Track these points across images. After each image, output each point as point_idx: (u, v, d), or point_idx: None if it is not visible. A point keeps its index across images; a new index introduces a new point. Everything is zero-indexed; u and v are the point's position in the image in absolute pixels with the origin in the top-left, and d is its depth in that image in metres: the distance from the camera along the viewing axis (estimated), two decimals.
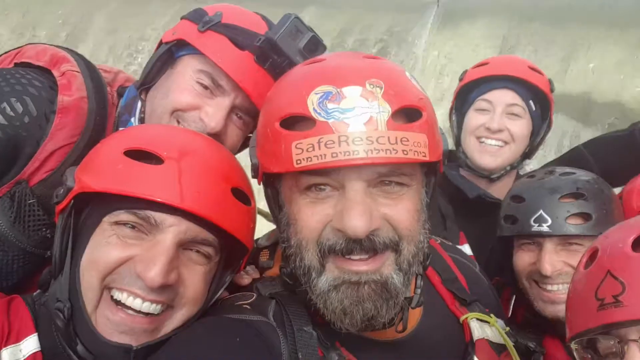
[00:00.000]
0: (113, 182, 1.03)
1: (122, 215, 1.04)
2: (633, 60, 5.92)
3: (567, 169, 1.66)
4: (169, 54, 1.46)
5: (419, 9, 6.31)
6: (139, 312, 1.03)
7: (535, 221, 1.53)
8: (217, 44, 1.38)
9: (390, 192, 0.96)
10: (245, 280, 1.20)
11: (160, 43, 1.49)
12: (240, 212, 1.09)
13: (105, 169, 1.06)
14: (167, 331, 1.07)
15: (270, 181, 1.06)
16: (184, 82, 1.41)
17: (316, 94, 0.94)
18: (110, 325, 1.03)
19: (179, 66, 1.44)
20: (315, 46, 1.37)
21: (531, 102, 1.94)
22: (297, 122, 0.96)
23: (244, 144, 1.53)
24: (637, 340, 0.80)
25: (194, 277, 1.07)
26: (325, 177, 0.95)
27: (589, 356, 0.88)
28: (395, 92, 0.95)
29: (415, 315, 1.11)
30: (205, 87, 1.40)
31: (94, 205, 1.07)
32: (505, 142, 1.93)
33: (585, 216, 1.51)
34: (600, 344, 0.86)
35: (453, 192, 1.96)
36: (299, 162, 0.92)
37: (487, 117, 1.92)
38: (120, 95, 1.54)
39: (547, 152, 3.89)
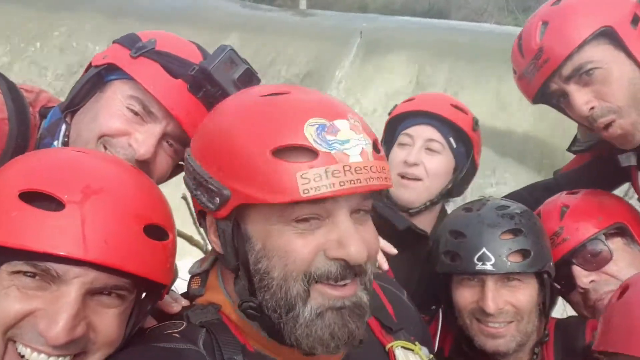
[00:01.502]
0: (8, 234, 0.93)
1: (21, 266, 0.95)
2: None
3: (502, 202, 1.70)
4: (98, 77, 1.43)
5: (343, 39, 6.56)
6: None
7: (478, 259, 1.55)
8: (150, 70, 1.37)
9: (361, 219, 1.04)
10: (175, 308, 1.18)
11: (90, 66, 1.46)
12: (154, 251, 1.03)
13: None
14: None
15: (239, 214, 1.03)
16: (113, 107, 1.38)
17: (311, 125, 0.97)
18: None
19: (108, 90, 1.41)
20: (249, 78, 1.39)
21: (451, 139, 1.96)
22: (287, 152, 0.97)
23: (174, 172, 1.52)
24: None
25: (106, 322, 1.00)
26: (317, 207, 0.98)
27: None
28: (366, 127, 1.04)
29: None
30: (136, 114, 1.38)
31: None
32: (418, 178, 1.93)
33: (525, 252, 1.56)
34: None
35: (380, 223, 1.97)
36: (306, 191, 0.94)
37: (407, 152, 1.94)
38: (42, 116, 1.49)
39: None
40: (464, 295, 1.62)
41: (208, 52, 1.44)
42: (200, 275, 1.18)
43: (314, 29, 7.11)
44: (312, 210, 0.98)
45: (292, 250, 0.99)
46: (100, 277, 0.97)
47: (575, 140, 1.83)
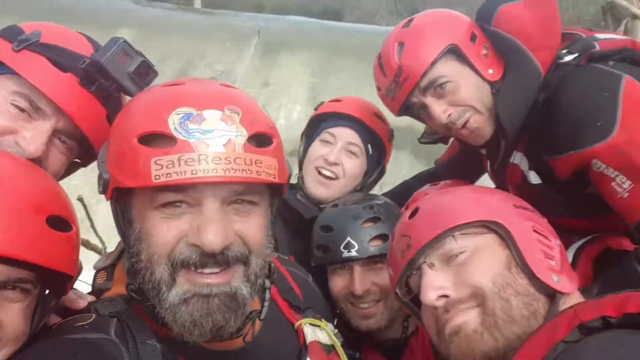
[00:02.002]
0: None
1: None
2: None
3: (365, 196, 1.89)
4: None
5: (240, 39, 6.53)
6: None
7: (344, 247, 1.70)
8: (35, 64, 1.29)
9: (242, 210, 1.03)
10: (81, 304, 1.16)
11: None
12: (58, 242, 1.02)
13: None
14: None
15: (121, 197, 1.06)
16: None
17: (177, 114, 0.97)
18: None
19: None
20: (145, 70, 1.36)
21: (369, 146, 2.08)
22: (155, 139, 0.98)
23: (69, 170, 1.46)
24: (425, 262, 1.21)
25: (12, 317, 0.99)
26: (182, 194, 0.99)
27: (408, 294, 1.29)
28: (251, 119, 1.02)
29: (255, 324, 1.18)
30: (22, 110, 1.29)
31: None
32: (337, 176, 2.04)
33: (384, 237, 1.71)
34: (411, 280, 1.26)
35: (288, 213, 2.06)
36: (157, 177, 0.95)
37: (328, 149, 2.05)
38: None
39: None
40: (337, 283, 1.76)
41: (99, 44, 1.39)
42: (106, 269, 1.17)
43: (210, 28, 7.01)
44: (177, 197, 0.99)
45: (155, 233, 1.00)
46: (3, 270, 0.96)
47: (424, 133, 2.06)
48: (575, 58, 1.64)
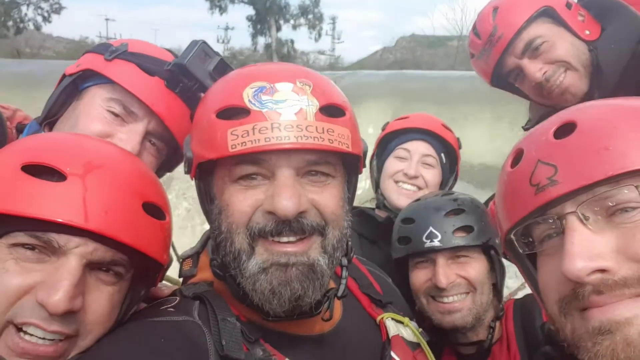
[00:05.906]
0: (9, 202, 0.93)
1: (21, 238, 0.95)
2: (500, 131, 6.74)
3: (448, 192, 1.88)
4: (73, 86, 1.45)
5: None
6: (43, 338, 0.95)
7: (427, 238, 1.64)
8: (126, 70, 1.39)
9: (317, 181, 1.04)
10: (166, 291, 1.19)
11: (63, 76, 1.47)
12: (152, 228, 1.05)
13: (0, 187, 0.96)
14: (75, 353, 1.00)
15: (204, 175, 1.10)
16: (93, 112, 1.39)
17: (251, 88, 1.02)
18: (14, 356, 0.94)
19: (85, 97, 1.42)
20: (224, 68, 1.42)
21: (442, 155, 2.12)
22: (232, 114, 1.02)
23: (157, 175, 1.52)
24: (575, 211, 0.82)
25: (102, 300, 1.00)
26: (257, 165, 1.01)
27: (525, 245, 0.92)
28: (322, 91, 1.05)
29: (337, 313, 1.16)
30: (116, 115, 1.39)
31: None
32: (419, 188, 2.08)
33: (468, 228, 1.65)
34: (537, 228, 0.89)
35: (363, 224, 2.09)
36: (234, 147, 0.98)
37: (404, 164, 2.08)
38: (19, 131, 1.49)
39: None
40: (419, 277, 1.69)
41: (177, 54, 1.48)
42: (191, 256, 1.20)
43: None
44: (252, 169, 1.01)
45: (232, 203, 1.02)
46: (100, 249, 0.98)
47: (527, 121, 2.05)
48: None
